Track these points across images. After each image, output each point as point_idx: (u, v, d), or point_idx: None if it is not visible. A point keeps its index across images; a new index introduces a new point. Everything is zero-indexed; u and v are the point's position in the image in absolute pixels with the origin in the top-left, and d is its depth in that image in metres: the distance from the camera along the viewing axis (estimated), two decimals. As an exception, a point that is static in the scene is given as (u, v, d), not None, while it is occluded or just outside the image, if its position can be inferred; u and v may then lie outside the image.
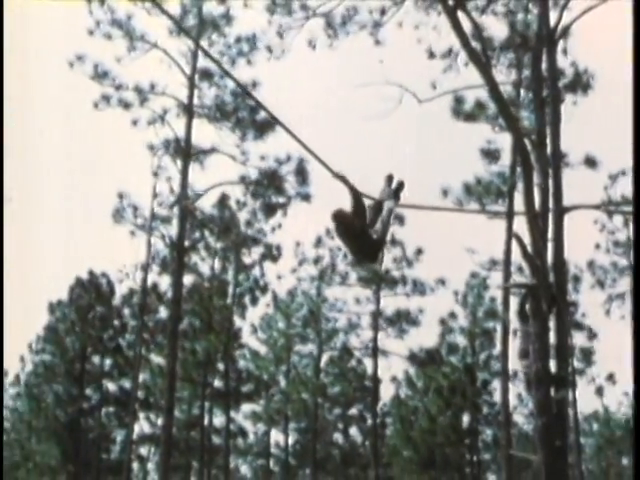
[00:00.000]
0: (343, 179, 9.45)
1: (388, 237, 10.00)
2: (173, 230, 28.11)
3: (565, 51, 19.54)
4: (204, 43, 26.46)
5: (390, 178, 10.12)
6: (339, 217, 9.42)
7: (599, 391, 36.36)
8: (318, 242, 34.56)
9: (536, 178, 16.42)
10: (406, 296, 34.50)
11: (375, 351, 34.63)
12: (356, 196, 9.50)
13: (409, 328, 34.65)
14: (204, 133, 27.37)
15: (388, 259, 34.59)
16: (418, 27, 19.04)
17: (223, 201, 31.29)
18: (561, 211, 16.56)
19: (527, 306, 15.52)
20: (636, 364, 13.52)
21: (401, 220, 34.42)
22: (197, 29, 26.63)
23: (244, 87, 21.71)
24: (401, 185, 10.12)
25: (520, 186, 25.44)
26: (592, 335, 34.58)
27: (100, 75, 25.84)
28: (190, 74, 26.79)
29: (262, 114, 26.24)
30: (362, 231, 9.53)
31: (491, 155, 26.95)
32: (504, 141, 26.65)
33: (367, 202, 9.86)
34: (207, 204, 30.57)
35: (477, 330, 36.39)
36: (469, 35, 14.97)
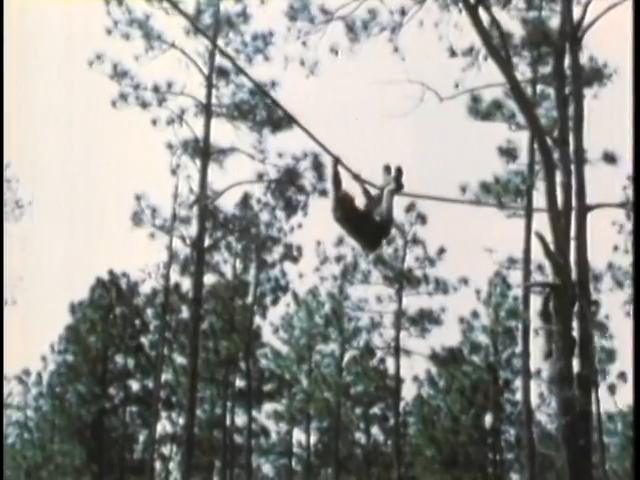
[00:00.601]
0: (339, 162, 9.36)
1: (393, 222, 9.82)
2: (193, 230, 28.15)
3: (588, 47, 19.40)
4: (221, 41, 26.48)
5: (387, 168, 9.99)
6: (345, 200, 9.36)
7: (611, 389, 36.08)
8: (340, 241, 34.49)
9: (558, 176, 16.33)
10: (428, 295, 34.42)
11: (397, 350, 34.55)
12: (358, 181, 9.45)
13: (431, 327, 34.58)
14: (222, 132, 27.39)
15: (410, 258, 34.55)
16: (438, 25, 18.93)
17: (245, 200, 31.28)
18: (584, 209, 16.42)
19: (550, 305, 15.42)
20: (636, 364, 13.40)
21: (423, 219, 34.35)
22: (214, 28, 26.63)
23: (259, 85, 21.69)
24: (399, 172, 9.95)
25: (538, 184, 25.52)
26: (610, 335, 34.37)
27: (119, 74, 25.92)
28: (208, 73, 26.80)
29: (279, 111, 26.23)
30: (364, 216, 9.47)
31: (509, 153, 26.81)
32: (522, 139, 26.54)
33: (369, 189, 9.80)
34: (227, 203, 30.61)
35: (499, 329, 36.21)
36: (490, 32, 14.90)
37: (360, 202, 9.56)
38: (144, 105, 26.11)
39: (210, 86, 26.92)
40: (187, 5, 26.07)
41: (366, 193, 9.66)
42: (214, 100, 27.04)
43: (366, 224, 9.48)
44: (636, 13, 13.54)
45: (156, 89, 26.13)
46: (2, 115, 19.82)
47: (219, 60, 26.67)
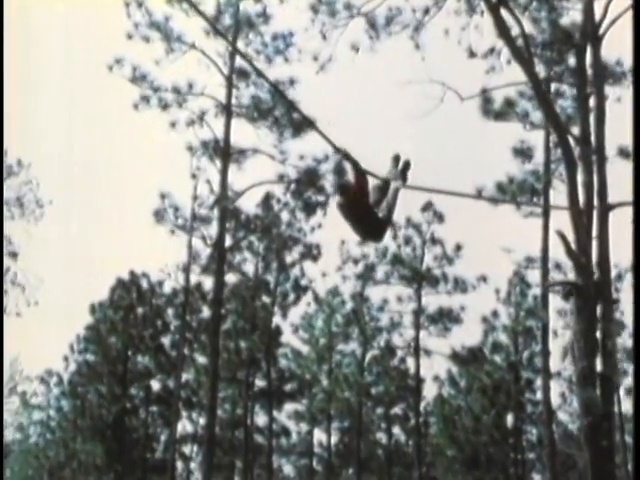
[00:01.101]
0: (346, 155, 9.32)
1: (394, 216, 9.76)
2: (213, 230, 28.24)
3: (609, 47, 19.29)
4: (241, 42, 26.54)
5: (397, 158, 9.99)
6: (346, 190, 9.32)
7: (629, 391, 35.92)
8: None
9: (579, 175, 16.29)
10: (448, 294, 34.37)
11: (417, 350, 34.52)
12: (360, 172, 9.36)
13: (451, 326, 34.52)
14: (243, 133, 27.44)
15: (429, 257, 34.50)
16: (460, 27, 18.91)
17: (267, 200, 31.35)
18: (606, 208, 16.36)
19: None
20: (636, 364, 13.38)
21: (440, 218, 34.32)
22: (233, 29, 26.67)
23: (276, 85, 21.71)
24: (407, 165, 9.97)
25: (554, 183, 25.45)
26: (631, 334, 34.17)
27: (139, 78, 26.01)
28: (228, 74, 26.84)
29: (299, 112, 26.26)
30: (367, 208, 9.42)
31: (524, 153, 26.73)
32: (537, 139, 26.46)
33: (374, 181, 9.76)
34: (248, 204, 30.67)
35: (520, 328, 36.12)
36: (511, 32, 14.88)
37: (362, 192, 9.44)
38: (165, 107, 26.19)
39: (230, 87, 26.96)
40: (207, 6, 26.15)
41: (363, 179, 9.47)
42: (234, 101, 27.09)
43: (367, 216, 9.43)
44: (636, 13, 13.52)
45: (176, 90, 26.21)
46: (2, 114, 19.85)
47: (239, 61, 26.72)
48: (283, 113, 26.56)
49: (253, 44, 26.95)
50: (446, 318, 34.41)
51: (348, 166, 9.66)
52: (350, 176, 9.63)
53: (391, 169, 9.97)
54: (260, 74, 21.04)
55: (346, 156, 9.33)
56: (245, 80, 26.86)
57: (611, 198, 16.63)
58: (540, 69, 22.29)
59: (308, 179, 27.06)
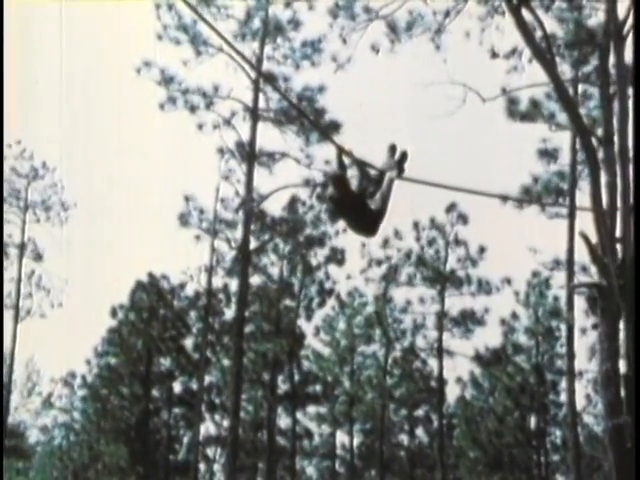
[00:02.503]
0: (344, 151, 9.24)
1: (388, 208, 9.35)
2: (238, 233, 28.32)
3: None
4: (269, 47, 26.64)
5: (393, 148, 9.71)
6: (338, 182, 9.15)
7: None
8: (385, 243, 34.40)
9: (603, 176, 16.22)
10: (471, 296, 34.28)
11: (440, 351, 34.44)
12: (357, 164, 9.28)
13: (474, 328, 34.42)
14: (269, 136, 27.50)
15: (452, 259, 34.41)
16: (481, 29, 18.87)
17: (293, 204, 31.40)
18: (629, 209, 16.27)
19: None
20: (636, 364, 13.30)
21: (464, 219, 34.23)
22: (262, 32, 26.74)
23: (265, 75, 21.72)
24: (404, 156, 9.67)
25: (580, 184, 25.34)
26: None
27: (167, 80, 26.13)
28: (255, 78, 26.89)
29: (327, 117, 26.38)
30: (360, 200, 9.19)
31: (549, 154, 26.65)
32: (563, 140, 26.38)
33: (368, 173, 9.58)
34: (273, 207, 30.72)
35: (540, 329, 35.99)
36: (533, 32, 14.84)
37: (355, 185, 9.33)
38: (192, 109, 26.30)
39: (257, 90, 27.03)
40: (236, 10, 26.27)
41: (366, 177, 9.39)
42: (261, 104, 27.16)
43: (359, 209, 9.18)
44: (636, 13, 13.45)
45: (204, 93, 26.30)
46: (2, 111, 19.94)
47: (267, 65, 26.82)
48: (310, 117, 26.64)
49: (281, 49, 27.03)
50: (469, 320, 34.32)
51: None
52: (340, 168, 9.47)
53: (387, 159, 9.70)
54: (252, 65, 21.08)
55: (343, 152, 9.21)
56: (272, 84, 26.93)
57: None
58: (566, 70, 22.26)
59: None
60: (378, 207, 9.24)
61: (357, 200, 9.18)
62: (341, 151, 9.32)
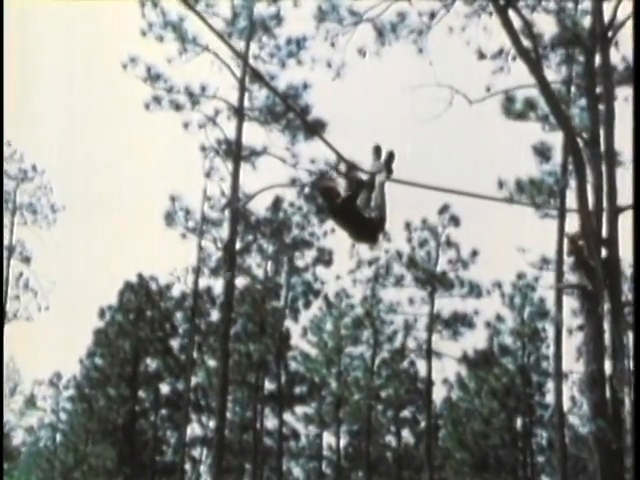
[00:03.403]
0: (350, 168, 9.12)
1: (387, 214, 9.18)
2: (224, 232, 28.25)
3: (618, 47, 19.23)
4: (254, 45, 26.58)
5: (378, 149, 9.57)
6: (328, 194, 8.98)
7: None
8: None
9: (590, 177, 16.24)
10: (461, 298, 34.22)
11: (429, 353, 34.42)
12: (353, 192, 9.03)
13: (464, 330, 34.40)
14: (255, 136, 27.45)
15: (443, 260, 34.39)
16: (467, 29, 18.87)
17: (276, 204, 31.35)
18: (615, 211, 16.31)
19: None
20: (636, 364, 13.33)
21: (456, 221, 34.17)
22: (247, 31, 26.69)
23: (255, 69, 21.74)
24: (391, 156, 9.53)
25: (572, 185, 25.35)
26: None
27: (152, 77, 26.04)
28: (241, 76, 26.85)
29: (312, 116, 26.33)
30: (355, 212, 8.99)
31: (542, 154, 26.67)
32: (556, 139, 26.39)
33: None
34: (260, 206, 30.68)
35: (526, 331, 36.03)
36: (519, 34, 14.85)
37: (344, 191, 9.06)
38: (177, 108, 26.23)
39: (243, 89, 26.97)
40: (222, 8, 26.20)
41: (358, 183, 9.16)
42: (247, 103, 27.11)
43: (357, 220, 9.02)
44: (636, 13, 13.47)
45: (189, 92, 26.23)
46: (2, 110, 19.86)
47: (253, 63, 26.72)
48: (295, 117, 26.57)
49: (267, 48, 26.98)
50: (459, 322, 34.29)
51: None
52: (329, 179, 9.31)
53: (374, 162, 9.53)
54: (239, 55, 21.00)
55: (349, 170, 9.08)
56: (258, 83, 26.87)
57: (621, 201, 16.59)
58: (559, 70, 22.27)
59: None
60: (376, 215, 9.10)
61: (353, 210, 8.98)
62: (339, 156, 9.21)
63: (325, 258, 33.63)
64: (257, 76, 23.80)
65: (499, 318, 36.21)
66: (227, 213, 27.77)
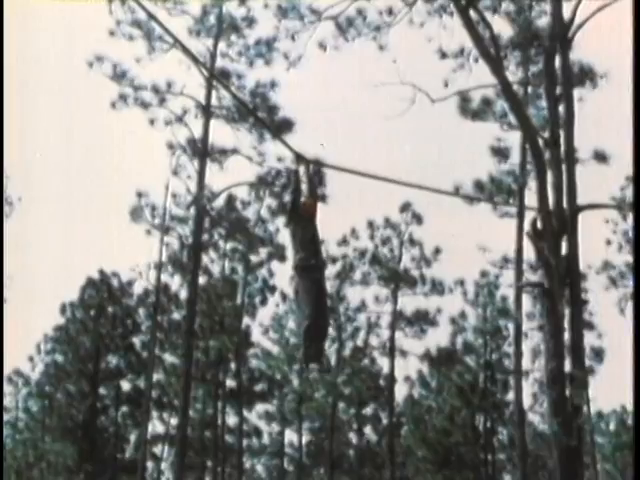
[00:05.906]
0: (309, 167, 9.07)
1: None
2: (187, 230, 28.18)
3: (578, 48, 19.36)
4: (222, 44, 26.53)
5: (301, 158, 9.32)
6: (310, 209, 8.89)
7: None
8: (343, 241, 34.30)
9: (550, 176, 16.37)
10: (424, 296, 34.32)
11: (392, 350, 34.50)
12: (314, 197, 9.06)
13: (427, 328, 34.49)
14: (222, 134, 27.38)
15: (407, 258, 34.44)
16: (429, 27, 18.90)
17: (230, 202, 31.29)
18: (575, 210, 16.45)
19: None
20: (636, 364, 13.46)
21: (419, 219, 34.26)
22: (216, 30, 26.62)
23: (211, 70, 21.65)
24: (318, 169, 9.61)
25: (530, 184, 25.54)
26: (600, 334, 34.26)
27: (119, 75, 25.90)
28: (208, 75, 26.78)
29: (280, 115, 26.34)
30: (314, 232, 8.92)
31: (501, 153, 26.83)
32: (514, 139, 26.56)
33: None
34: (218, 205, 30.61)
35: (488, 328, 36.24)
36: (480, 33, 14.93)
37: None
38: (144, 106, 26.10)
39: (210, 87, 26.90)
40: (192, 7, 26.12)
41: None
42: (214, 101, 27.04)
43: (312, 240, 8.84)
44: (636, 13, 13.56)
45: (156, 90, 26.11)
46: (2, 111, 19.68)
47: (220, 62, 26.71)
48: (264, 115, 26.55)
49: (235, 46, 26.93)
50: (422, 320, 34.38)
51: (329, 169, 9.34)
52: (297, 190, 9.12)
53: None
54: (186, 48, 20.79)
55: (309, 170, 9.00)
56: (225, 81, 26.80)
57: (581, 200, 16.74)
58: (518, 71, 22.41)
59: (286, 182, 27.04)
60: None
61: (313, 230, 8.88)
62: (298, 157, 9.09)
63: (283, 254, 33.53)
64: (218, 80, 23.68)
65: (462, 316, 36.42)
66: (192, 210, 27.72)
